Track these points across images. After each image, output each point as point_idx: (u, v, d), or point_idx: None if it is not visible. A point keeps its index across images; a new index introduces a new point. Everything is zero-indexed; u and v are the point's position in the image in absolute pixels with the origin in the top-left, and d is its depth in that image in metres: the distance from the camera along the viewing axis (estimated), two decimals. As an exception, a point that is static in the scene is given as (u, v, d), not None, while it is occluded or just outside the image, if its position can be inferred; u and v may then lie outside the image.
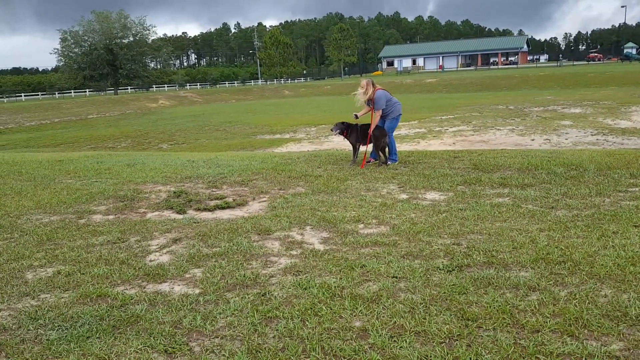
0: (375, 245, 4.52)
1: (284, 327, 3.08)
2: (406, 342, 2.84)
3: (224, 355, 2.82)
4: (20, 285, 3.96)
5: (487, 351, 2.71)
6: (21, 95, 71.95)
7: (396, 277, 3.75)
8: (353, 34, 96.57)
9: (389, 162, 8.53)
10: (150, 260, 4.42)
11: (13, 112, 48.06)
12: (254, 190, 7.12)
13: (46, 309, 3.47)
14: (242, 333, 3.05)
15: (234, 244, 4.74)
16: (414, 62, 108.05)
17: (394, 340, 2.86)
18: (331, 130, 9.01)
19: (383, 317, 3.14)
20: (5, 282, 4.03)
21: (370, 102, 8.58)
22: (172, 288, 3.81)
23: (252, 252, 4.52)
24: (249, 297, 3.55)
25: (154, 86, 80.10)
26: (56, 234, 5.28)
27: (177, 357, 2.84)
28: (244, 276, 3.94)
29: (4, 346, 3.01)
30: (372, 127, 8.50)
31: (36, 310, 3.45)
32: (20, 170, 9.46)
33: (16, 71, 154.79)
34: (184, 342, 2.97)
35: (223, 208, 6.31)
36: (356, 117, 8.78)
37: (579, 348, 2.69)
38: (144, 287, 3.83)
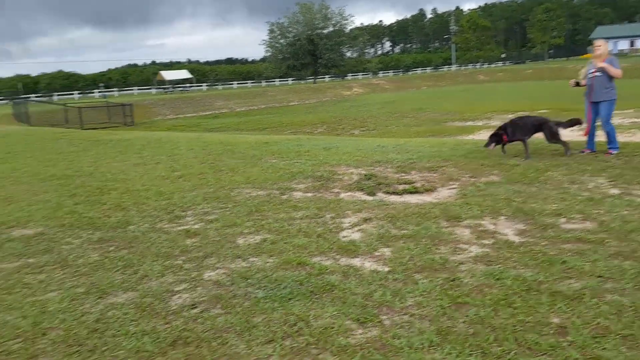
0: (579, 241, 4.17)
1: (475, 314, 3.03)
2: (610, 344, 2.59)
3: (413, 332, 2.88)
4: (233, 248, 4.49)
5: None
6: (233, 83, 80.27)
7: (602, 277, 3.42)
8: (560, 14, 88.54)
9: (584, 151, 7.89)
10: (344, 236, 4.67)
11: (226, 99, 53.82)
12: (443, 176, 7.03)
13: (254, 270, 3.90)
14: (431, 314, 3.08)
15: (422, 228, 4.76)
16: (631, 44, 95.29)
17: (597, 341, 2.64)
18: (485, 146, 8.14)
19: (585, 316, 2.91)
20: (221, 245, 4.60)
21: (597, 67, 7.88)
22: (363, 263, 3.99)
23: (440, 238, 4.50)
24: (437, 281, 3.56)
25: (349, 74, 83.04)
26: (262, 206, 5.85)
27: (369, 327, 2.98)
28: (432, 260, 3.95)
29: (220, 299, 3.46)
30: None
31: (246, 271, 3.90)
32: (233, 150, 10.61)
33: (229, 61, 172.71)
34: (374, 314, 3.11)
35: (411, 193, 6.35)
36: (577, 84, 8.18)
37: None
38: (338, 260, 4.07)
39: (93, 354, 2.85)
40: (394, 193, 6.40)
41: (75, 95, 69.36)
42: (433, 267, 3.84)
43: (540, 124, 8.05)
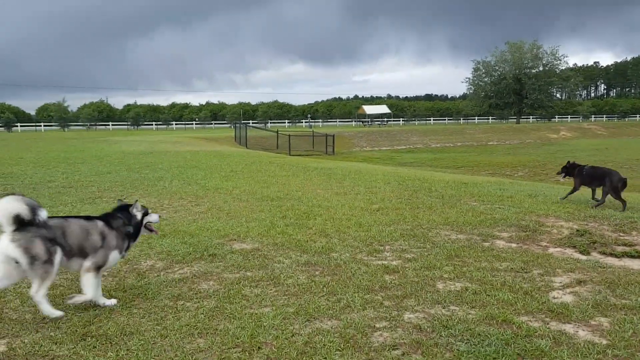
0: None
1: None
2: None
3: None
4: (433, 292, 4.43)
5: None
6: (430, 119, 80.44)
7: None
8: None
9: None
10: (554, 297, 4.31)
11: (422, 134, 54.10)
12: (673, 243, 6.12)
13: (456, 320, 3.79)
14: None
15: (647, 300, 4.20)
16: None
17: None
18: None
19: None
20: (420, 287, 4.57)
21: None
22: (577, 331, 3.63)
23: (671, 316, 3.91)
24: (668, 366, 3.09)
25: (556, 116, 77.72)
26: (463, 251, 5.69)
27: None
28: (661, 340, 3.45)
29: (420, 345, 3.41)
30: None
31: (447, 320, 3.80)
32: (430, 188, 10.58)
33: (428, 97, 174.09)
34: (593, 394, 2.80)
35: (632, 257, 5.66)
36: None
37: None
38: (547, 323, 3.77)
39: (302, 375, 3.03)
40: (611, 254, 5.76)
41: (286, 123, 76.17)
42: (663, 348, 3.34)
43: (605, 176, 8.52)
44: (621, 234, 6.64)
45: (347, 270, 5.02)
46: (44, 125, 77.67)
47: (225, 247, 5.87)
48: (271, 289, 4.49)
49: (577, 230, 6.72)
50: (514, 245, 6.05)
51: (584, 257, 5.63)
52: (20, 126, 75.12)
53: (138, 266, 5.21)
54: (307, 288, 4.50)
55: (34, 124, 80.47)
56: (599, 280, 4.77)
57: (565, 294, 4.41)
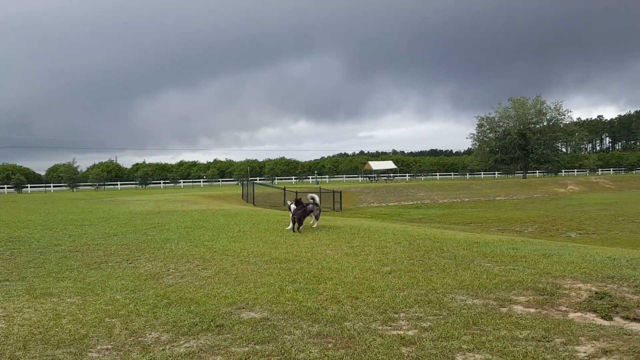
0: None
1: None
2: None
3: None
4: (452, 365, 4.21)
5: None
6: (436, 174, 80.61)
7: None
8: None
9: None
10: (581, 371, 4.09)
11: (429, 190, 54.06)
12: (701, 306, 5.87)
13: (478, 397, 3.57)
14: None
15: (681, 373, 3.95)
16: None
17: None
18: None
19: None
20: None
21: None
22: (610, 412, 3.40)
23: None
24: None
25: (562, 170, 77.87)
26: (480, 318, 5.47)
27: None
28: None
29: None
30: None
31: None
32: (441, 247, 10.37)
33: (433, 152, 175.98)
34: None
35: (659, 322, 5.40)
36: None
37: None
38: (578, 402, 3.54)
39: None
40: (635, 320, 5.51)
41: (293, 180, 76.63)
42: None
43: None
44: (643, 297, 6.39)
45: (362, 342, 4.81)
46: (54, 186, 78.46)
47: (233, 317, 5.68)
48: (282, 364, 4.29)
49: (596, 293, 6.49)
50: (532, 310, 5.82)
51: (606, 323, 5.39)
52: (30, 187, 75.92)
53: (143, 339, 5.03)
54: (319, 363, 4.30)
55: (43, 184, 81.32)
56: (627, 350, 4.53)
57: (592, 366, 4.18)
